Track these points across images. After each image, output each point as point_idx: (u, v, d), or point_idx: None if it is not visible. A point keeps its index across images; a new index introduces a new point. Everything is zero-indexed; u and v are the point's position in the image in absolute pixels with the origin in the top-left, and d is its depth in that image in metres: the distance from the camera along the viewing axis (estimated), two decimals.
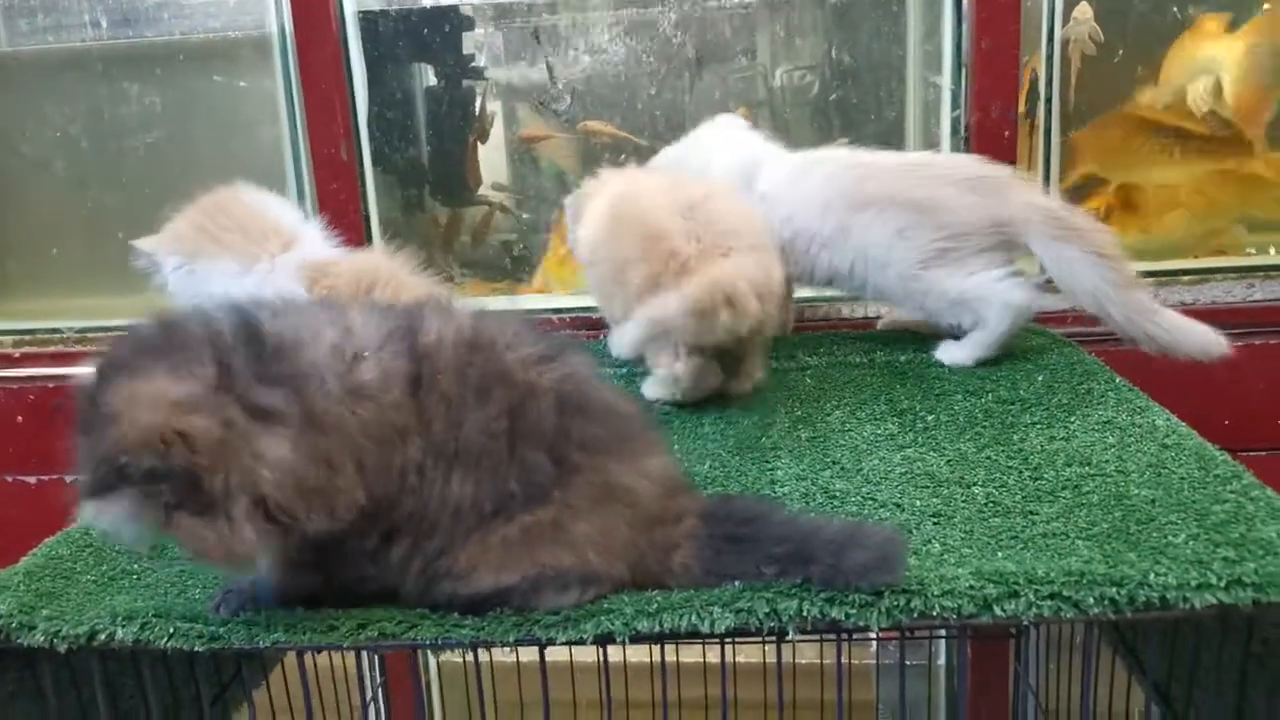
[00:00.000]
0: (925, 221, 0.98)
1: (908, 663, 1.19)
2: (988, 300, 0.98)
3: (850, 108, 1.43)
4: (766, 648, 1.08)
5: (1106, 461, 0.74)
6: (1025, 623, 0.55)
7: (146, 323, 0.54)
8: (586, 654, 0.63)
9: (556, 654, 0.60)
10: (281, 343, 0.54)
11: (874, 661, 1.27)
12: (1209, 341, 0.91)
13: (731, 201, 0.96)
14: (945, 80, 1.31)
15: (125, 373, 0.51)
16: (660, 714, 0.66)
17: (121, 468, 0.49)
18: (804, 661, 1.21)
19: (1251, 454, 0.74)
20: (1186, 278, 1.31)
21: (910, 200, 0.99)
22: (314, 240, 0.99)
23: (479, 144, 1.50)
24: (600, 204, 0.99)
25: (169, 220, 0.99)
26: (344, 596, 0.59)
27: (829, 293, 1.21)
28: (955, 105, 1.30)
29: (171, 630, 0.58)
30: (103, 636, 0.59)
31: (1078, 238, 0.96)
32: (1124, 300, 0.93)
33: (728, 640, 0.63)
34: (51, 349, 1.41)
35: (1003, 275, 0.98)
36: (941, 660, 1.32)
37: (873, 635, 0.62)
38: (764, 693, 1.13)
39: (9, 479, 1.42)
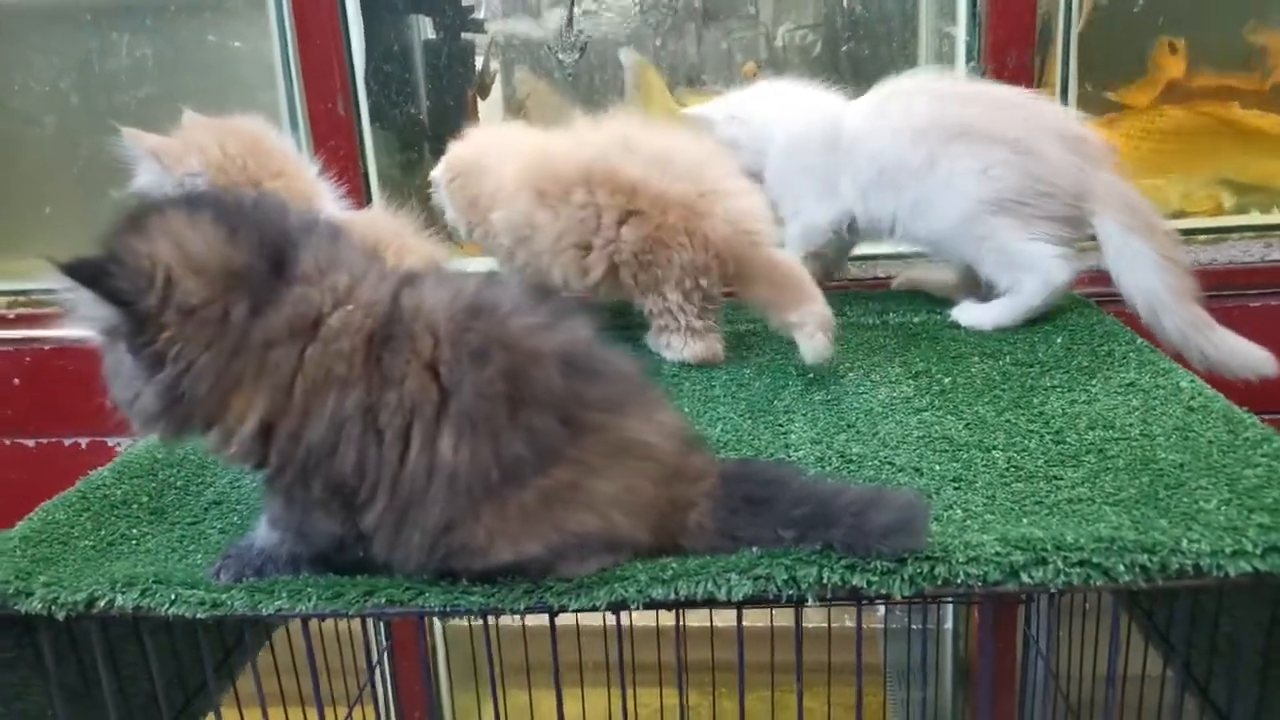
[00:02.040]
0: (1018, 165, 0.94)
1: (915, 627, 1.19)
2: (1031, 270, 0.95)
3: (861, 60, 1.38)
4: (775, 611, 1.08)
5: (1131, 425, 0.72)
6: (1052, 590, 0.54)
7: (242, 192, 0.57)
8: (593, 618, 0.62)
9: (564, 617, 0.59)
10: (309, 268, 0.54)
11: (881, 626, 1.27)
12: (1260, 360, 0.88)
13: (656, 136, 0.93)
14: (960, 31, 1.27)
15: (190, 207, 0.54)
16: (671, 677, 0.65)
17: (107, 269, 0.51)
18: (810, 625, 1.21)
19: (1271, 416, 0.72)
20: (1203, 237, 1.29)
21: (1008, 139, 0.94)
22: (328, 197, 0.95)
23: (479, 99, 1.46)
24: (513, 174, 0.95)
25: (183, 125, 0.92)
26: (329, 563, 0.58)
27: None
28: (970, 57, 1.26)
29: (173, 597, 0.57)
30: (102, 603, 0.57)
31: (1149, 234, 0.91)
32: (1180, 310, 0.89)
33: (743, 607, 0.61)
34: (47, 310, 1.39)
35: (1053, 252, 0.94)
36: (949, 624, 1.31)
37: (892, 602, 0.61)
38: (770, 655, 1.13)
39: (6, 442, 1.41)
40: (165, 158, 0.87)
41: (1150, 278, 0.91)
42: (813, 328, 0.86)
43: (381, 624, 1.20)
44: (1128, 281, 0.92)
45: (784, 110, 1.06)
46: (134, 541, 0.66)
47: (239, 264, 0.52)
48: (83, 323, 0.53)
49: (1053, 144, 0.94)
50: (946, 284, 1.11)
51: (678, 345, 0.93)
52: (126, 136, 0.88)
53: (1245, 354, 0.88)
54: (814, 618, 1.19)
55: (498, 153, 1.00)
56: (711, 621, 1.15)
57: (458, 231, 1.06)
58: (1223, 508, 0.58)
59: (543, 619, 0.57)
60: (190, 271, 0.52)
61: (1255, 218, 1.31)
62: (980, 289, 1.03)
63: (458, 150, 1.04)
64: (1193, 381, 0.79)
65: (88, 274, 0.51)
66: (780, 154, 1.06)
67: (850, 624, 1.23)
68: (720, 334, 0.95)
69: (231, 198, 0.56)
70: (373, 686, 1.10)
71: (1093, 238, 0.97)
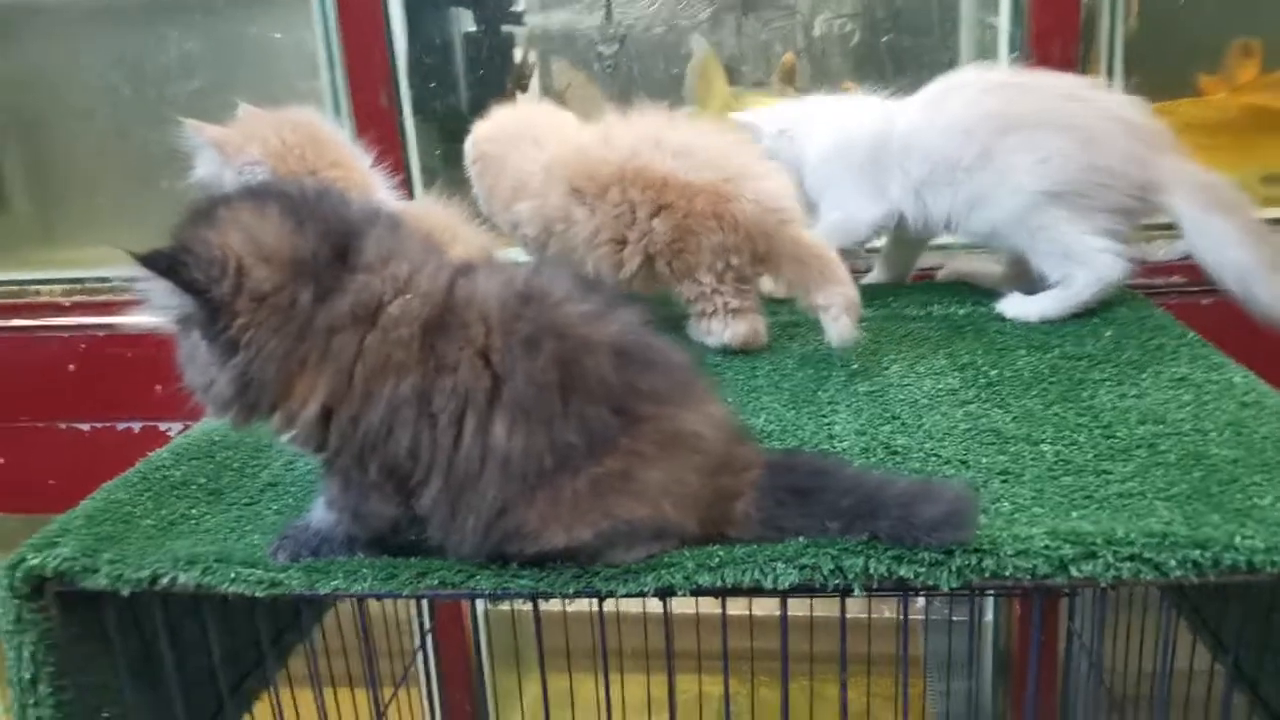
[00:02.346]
0: (1076, 155, 0.92)
1: (955, 619, 1.18)
2: (1084, 263, 0.94)
3: (901, 51, 1.37)
4: (816, 601, 1.08)
5: (1182, 420, 0.71)
6: (1102, 585, 0.53)
7: (309, 182, 0.59)
8: (634, 604, 0.62)
9: (606, 603, 0.60)
10: (371, 257, 0.55)
11: (922, 617, 1.27)
12: None
13: (681, 129, 0.94)
14: (1002, 21, 1.25)
15: (257, 199, 0.55)
16: (708, 665, 0.65)
17: (182, 259, 0.52)
18: (851, 616, 1.21)
19: None
20: None
21: (1067, 126, 0.93)
22: (382, 187, 0.97)
23: (519, 93, 1.47)
24: (544, 167, 0.96)
25: (239, 117, 0.93)
26: (383, 545, 0.59)
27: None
28: (1013, 48, 1.24)
29: (233, 575, 0.59)
30: (165, 580, 0.59)
31: (1228, 210, 0.90)
32: (1274, 280, 0.88)
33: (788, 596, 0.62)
34: (101, 298, 1.43)
35: (1106, 247, 0.93)
36: (989, 617, 1.30)
37: (937, 594, 0.61)
38: (810, 644, 1.13)
39: (63, 426, 1.45)
40: (226, 147, 0.89)
41: (1238, 253, 0.89)
42: (838, 310, 0.86)
43: (427, 607, 1.22)
44: (1214, 259, 0.91)
45: (831, 121, 1.06)
46: (194, 521, 0.68)
47: (305, 252, 0.54)
48: (157, 312, 0.55)
49: (1114, 132, 0.93)
50: (992, 275, 1.10)
51: (718, 329, 0.94)
52: (188, 127, 0.90)
53: None
54: (854, 608, 1.19)
55: (520, 137, 1.02)
56: (751, 610, 1.15)
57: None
58: (1277, 504, 0.57)
59: (583, 605, 0.58)
60: (261, 260, 0.53)
61: None
62: (1026, 280, 1.02)
63: (480, 131, 1.05)
64: (1246, 377, 0.78)
65: (164, 264, 0.52)
66: (823, 157, 1.06)
67: (890, 615, 1.23)
68: (762, 315, 0.95)
69: (296, 189, 0.57)
70: (418, 668, 1.12)
71: (1169, 225, 0.95)
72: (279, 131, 0.90)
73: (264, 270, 0.53)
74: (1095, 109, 0.94)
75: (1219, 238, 0.90)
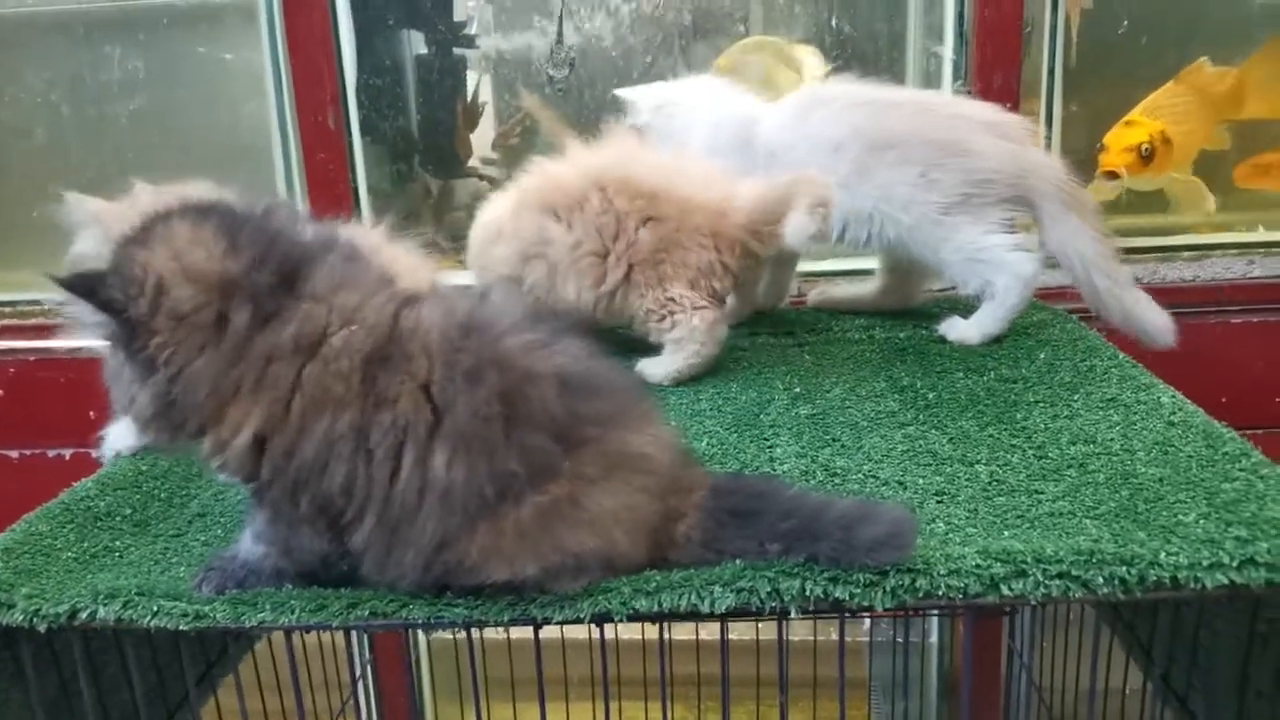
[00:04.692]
0: (954, 164, 0.96)
1: (900, 640, 1.19)
2: (999, 268, 0.96)
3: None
4: (760, 625, 1.08)
5: (1112, 440, 0.73)
6: (1032, 603, 0.54)
7: (258, 200, 0.58)
8: (578, 631, 0.62)
9: (549, 630, 0.59)
10: (320, 286, 0.54)
11: (867, 639, 1.27)
12: (1162, 327, 0.96)
13: (654, 154, 0.96)
14: (947, 51, 1.28)
15: (197, 216, 0.55)
16: (656, 691, 0.65)
17: (103, 280, 0.53)
18: (796, 639, 1.21)
19: (1250, 432, 0.72)
20: (1187, 253, 1.30)
21: (938, 140, 0.96)
22: None
23: (469, 133, 1.46)
24: (511, 204, 0.97)
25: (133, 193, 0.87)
26: (314, 578, 0.58)
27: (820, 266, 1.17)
28: (957, 76, 1.27)
29: (155, 609, 0.57)
30: (84, 615, 0.57)
31: (1080, 208, 0.96)
32: (1109, 269, 0.97)
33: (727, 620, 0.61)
34: (32, 320, 1.38)
35: (1014, 245, 0.97)
36: (934, 638, 1.31)
37: (873, 614, 0.62)
38: (756, 669, 1.13)
39: None
40: (109, 223, 0.85)
41: (1087, 245, 0.97)
42: (801, 207, 0.88)
43: (365, 637, 1.19)
44: (1066, 250, 0.98)
45: (705, 109, 1.07)
46: (117, 554, 0.66)
47: (237, 273, 0.53)
48: (86, 331, 0.55)
49: (981, 134, 0.97)
50: (866, 297, 1.13)
51: (686, 324, 0.92)
52: (70, 201, 0.87)
53: (1153, 318, 0.97)
54: (799, 631, 1.19)
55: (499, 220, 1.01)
56: (697, 635, 1.15)
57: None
58: (1201, 521, 0.58)
59: (527, 633, 0.58)
60: (185, 279, 0.53)
61: (1238, 235, 1.32)
62: (902, 295, 1.08)
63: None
64: (1173, 397, 0.80)
65: (83, 286, 0.52)
66: (701, 143, 1.06)
67: (836, 638, 1.23)
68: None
69: (241, 208, 0.56)
70: (356, 701, 1.09)
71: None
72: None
73: (186, 289, 0.52)
74: (958, 117, 0.99)
75: (1071, 230, 0.97)
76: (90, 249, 0.86)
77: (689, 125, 1.06)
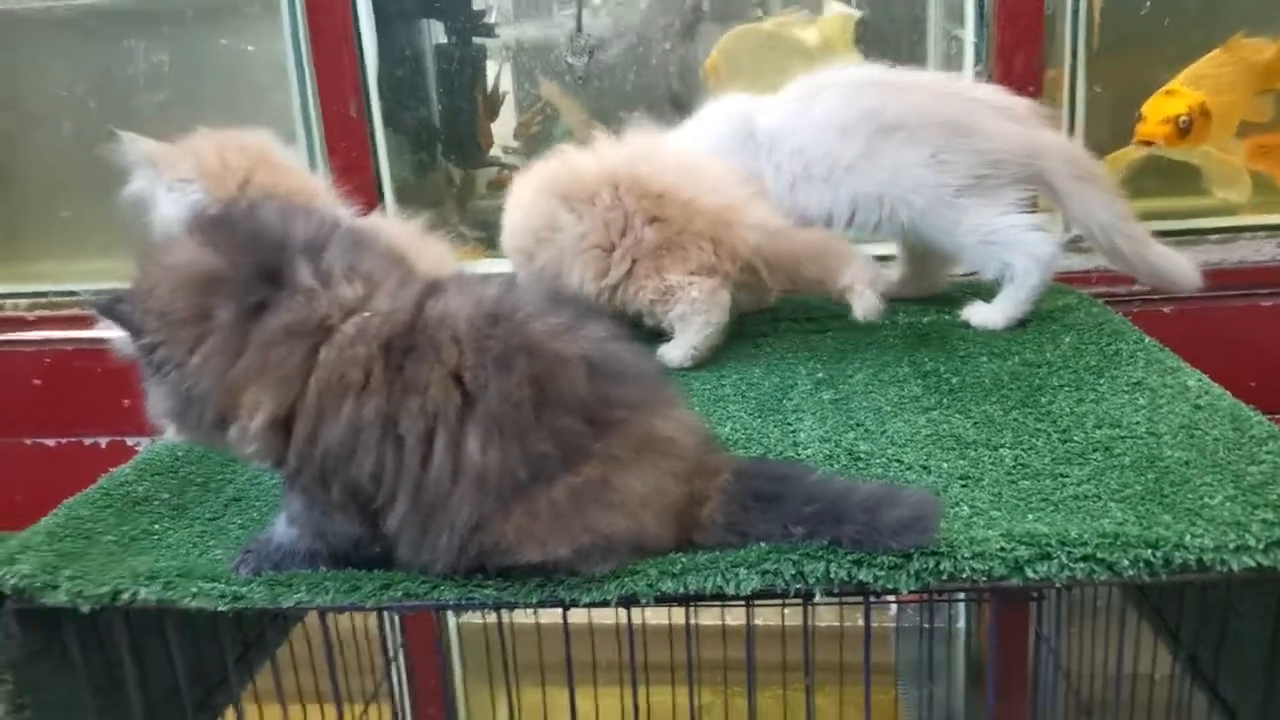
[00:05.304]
0: (965, 145, 0.95)
1: (928, 625, 1.19)
2: (1015, 248, 0.96)
3: (869, 61, 1.39)
4: (786, 610, 1.08)
5: (1137, 423, 0.72)
6: (1057, 585, 0.54)
7: (255, 202, 0.62)
8: (607, 615, 0.63)
9: (577, 615, 0.60)
10: (306, 275, 0.55)
11: (893, 625, 1.27)
12: (1186, 272, 0.98)
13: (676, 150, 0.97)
14: (968, 33, 1.27)
15: (191, 227, 0.58)
16: (683, 676, 0.66)
17: (120, 298, 0.57)
18: (823, 624, 1.21)
19: (1278, 415, 0.72)
20: (1215, 236, 1.28)
21: (948, 121, 0.96)
22: (340, 213, 0.96)
23: (490, 124, 1.47)
24: (531, 188, 0.98)
25: (185, 137, 0.91)
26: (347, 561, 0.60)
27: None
28: (978, 59, 1.26)
29: (194, 590, 0.58)
30: (126, 596, 0.59)
31: (1094, 180, 0.97)
32: (1129, 231, 0.97)
33: (752, 603, 0.62)
34: (66, 312, 1.41)
35: (1030, 225, 0.96)
36: (961, 623, 1.31)
37: (898, 599, 0.63)
38: (782, 654, 1.13)
39: (28, 441, 1.43)
40: (159, 162, 0.88)
41: (1103, 213, 0.97)
42: (861, 285, 0.90)
43: (397, 621, 1.21)
44: (1085, 220, 0.98)
45: (704, 112, 1.08)
46: (156, 537, 0.68)
47: (215, 270, 0.55)
48: (128, 349, 0.59)
49: (988, 116, 0.97)
50: (892, 282, 1.12)
51: (686, 299, 0.93)
52: (124, 140, 0.89)
53: (1178, 264, 0.98)
54: (825, 617, 1.20)
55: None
56: (724, 620, 1.16)
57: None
58: (1227, 504, 0.58)
59: (556, 618, 0.59)
60: (167, 282, 0.56)
61: (1267, 217, 1.30)
62: (926, 279, 1.08)
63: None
64: (1200, 380, 0.80)
65: (104, 306, 0.57)
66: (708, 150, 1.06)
67: (862, 623, 1.23)
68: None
69: (227, 212, 0.59)
70: (389, 684, 1.11)
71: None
72: (221, 152, 0.88)
73: (167, 290, 0.55)
74: (966, 99, 0.98)
75: (1090, 202, 0.97)
76: (142, 189, 0.89)
77: (696, 139, 1.06)
